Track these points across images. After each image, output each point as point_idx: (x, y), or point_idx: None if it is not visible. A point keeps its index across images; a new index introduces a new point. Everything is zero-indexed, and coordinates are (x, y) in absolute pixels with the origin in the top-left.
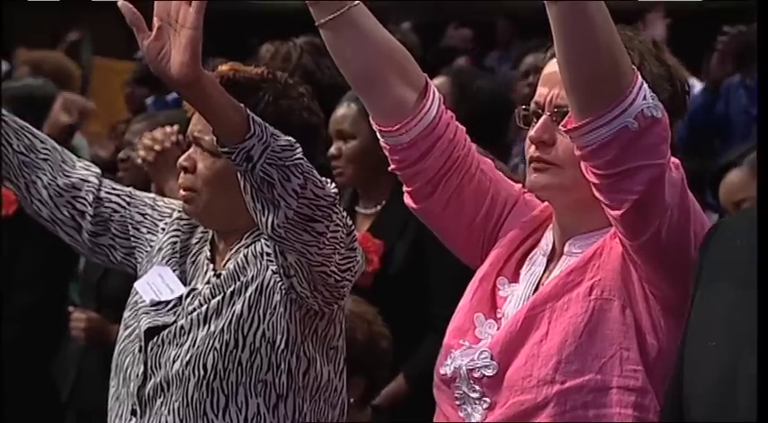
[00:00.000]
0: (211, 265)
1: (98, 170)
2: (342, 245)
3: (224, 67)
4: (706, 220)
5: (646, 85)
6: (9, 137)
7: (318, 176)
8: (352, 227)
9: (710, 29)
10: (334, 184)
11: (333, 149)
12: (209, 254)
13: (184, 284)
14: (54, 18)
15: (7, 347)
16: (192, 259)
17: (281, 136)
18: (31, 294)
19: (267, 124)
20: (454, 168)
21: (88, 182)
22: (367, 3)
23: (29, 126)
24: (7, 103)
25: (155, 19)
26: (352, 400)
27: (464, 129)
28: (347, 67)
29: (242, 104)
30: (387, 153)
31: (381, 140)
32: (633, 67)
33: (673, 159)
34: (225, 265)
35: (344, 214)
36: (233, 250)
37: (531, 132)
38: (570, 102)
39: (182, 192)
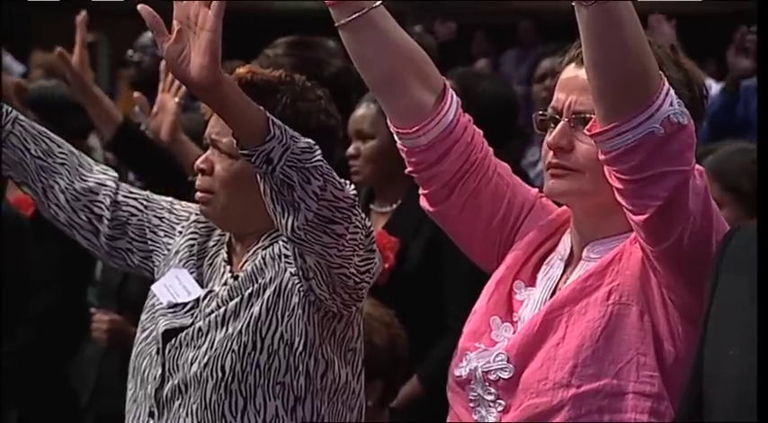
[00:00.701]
0: (228, 267)
1: (115, 174)
2: (361, 246)
3: (241, 70)
4: (728, 228)
5: (672, 92)
6: (27, 142)
7: (338, 178)
8: (372, 228)
9: (713, 31)
10: (353, 186)
11: (351, 149)
12: (225, 256)
13: (201, 286)
14: (71, 21)
15: (25, 350)
16: (210, 262)
17: (301, 138)
18: (48, 297)
19: (287, 126)
20: (471, 171)
21: (105, 186)
22: (386, 4)
23: (46, 131)
24: (21, 104)
25: (174, 22)
26: (370, 402)
27: (481, 132)
28: (367, 68)
29: (261, 107)
30: (404, 155)
31: (398, 143)
32: (660, 72)
33: (697, 167)
34: (242, 267)
35: (364, 216)
36: (250, 252)
37: (549, 138)
38: (597, 106)
39: (198, 194)
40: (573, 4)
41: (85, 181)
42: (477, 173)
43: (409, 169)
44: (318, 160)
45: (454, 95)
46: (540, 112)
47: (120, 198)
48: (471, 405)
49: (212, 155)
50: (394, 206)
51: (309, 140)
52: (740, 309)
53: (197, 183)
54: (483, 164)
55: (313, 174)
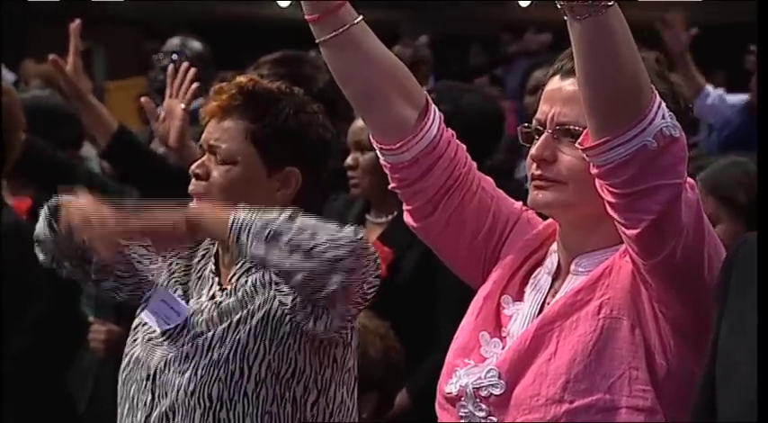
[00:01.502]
0: (216, 279)
1: None
2: (371, 274)
3: (243, 79)
4: (719, 242)
5: (664, 105)
6: None
7: (331, 227)
8: (377, 253)
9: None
10: (350, 228)
11: (350, 160)
12: (213, 267)
13: (189, 300)
14: (65, 31)
15: (21, 357)
16: (198, 275)
17: (263, 218)
18: (41, 305)
19: (257, 215)
20: (455, 187)
21: None
22: (384, 14)
23: None
24: None
25: None
26: (365, 415)
27: (464, 147)
28: (348, 84)
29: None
30: (387, 172)
31: (381, 159)
32: (652, 85)
33: (688, 180)
34: (230, 279)
35: (371, 251)
36: (238, 264)
37: (533, 150)
38: (589, 120)
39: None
40: (565, 18)
41: None
42: (461, 188)
43: (393, 185)
44: (279, 226)
45: (437, 110)
46: (525, 125)
47: None
48: (462, 422)
49: (208, 160)
50: (389, 217)
51: (270, 217)
52: (752, 319)
53: (190, 188)
54: (467, 179)
55: (280, 235)
